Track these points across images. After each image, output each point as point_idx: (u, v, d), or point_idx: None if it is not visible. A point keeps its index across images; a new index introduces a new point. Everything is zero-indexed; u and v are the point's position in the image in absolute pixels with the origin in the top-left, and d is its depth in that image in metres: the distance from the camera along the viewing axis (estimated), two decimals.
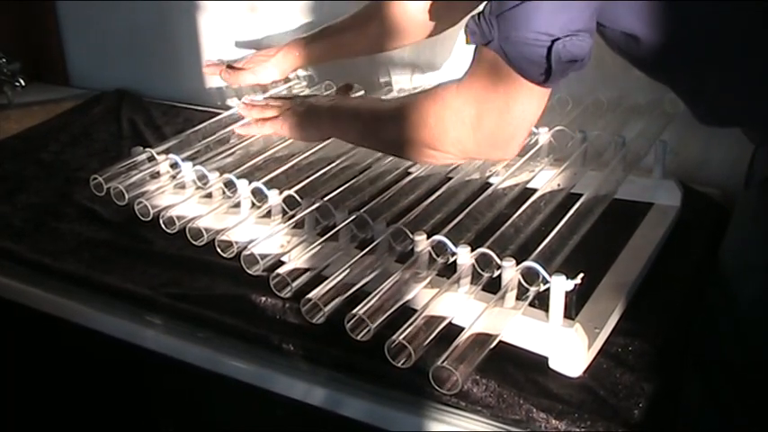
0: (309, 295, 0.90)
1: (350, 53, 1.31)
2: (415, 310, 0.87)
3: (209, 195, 1.17)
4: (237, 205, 1.12)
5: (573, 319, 0.88)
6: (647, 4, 0.78)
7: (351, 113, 1.05)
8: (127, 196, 1.17)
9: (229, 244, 1.04)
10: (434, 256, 0.95)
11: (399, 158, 1.10)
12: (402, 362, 0.83)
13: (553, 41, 0.76)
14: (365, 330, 0.86)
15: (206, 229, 1.07)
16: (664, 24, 0.79)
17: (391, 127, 0.95)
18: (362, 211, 1.03)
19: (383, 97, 1.42)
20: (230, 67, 1.35)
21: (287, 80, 1.61)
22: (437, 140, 0.90)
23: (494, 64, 0.81)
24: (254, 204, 1.12)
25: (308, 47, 1.30)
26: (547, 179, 1.08)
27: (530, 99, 0.83)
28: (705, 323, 0.89)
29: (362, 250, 0.97)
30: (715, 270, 0.89)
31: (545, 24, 0.76)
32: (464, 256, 0.92)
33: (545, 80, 0.80)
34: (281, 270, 0.96)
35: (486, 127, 0.84)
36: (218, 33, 1.71)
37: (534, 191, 1.06)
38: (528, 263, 0.88)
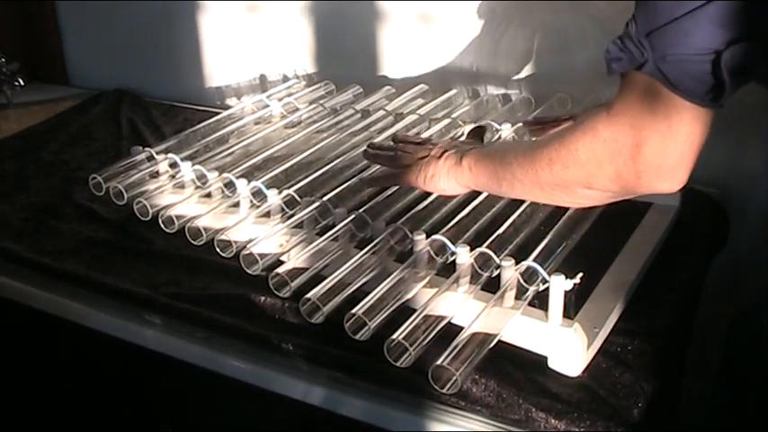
0: (308, 295, 0.90)
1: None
2: (415, 310, 0.87)
3: (209, 195, 1.17)
4: (237, 205, 1.13)
5: (572, 319, 0.88)
6: None
7: (494, 161, 0.90)
8: (126, 196, 1.17)
9: (228, 243, 1.04)
10: (434, 255, 0.95)
11: (561, 205, 0.92)
12: (401, 361, 0.83)
13: (719, 53, 0.69)
14: (364, 330, 0.86)
15: (205, 229, 1.07)
16: None
17: (539, 171, 0.83)
18: (362, 210, 1.03)
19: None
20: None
21: (285, 79, 1.61)
22: (592, 177, 0.78)
23: (649, 87, 0.72)
24: (253, 204, 1.12)
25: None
26: None
27: (694, 121, 0.73)
28: (735, 335, 0.88)
29: (362, 250, 0.97)
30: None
31: (707, 37, 0.69)
32: (463, 256, 0.92)
33: (713, 98, 0.71)
34: (280, 269, 0.96)
35: (648, 156, 0.74)
36: (218, 33, 1.71)
37: None
38: (527, 262, 0.88)
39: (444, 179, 0.96)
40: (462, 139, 1.11)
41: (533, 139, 1.14)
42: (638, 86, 0.73)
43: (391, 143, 1.08)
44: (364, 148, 1.05)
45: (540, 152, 0.83)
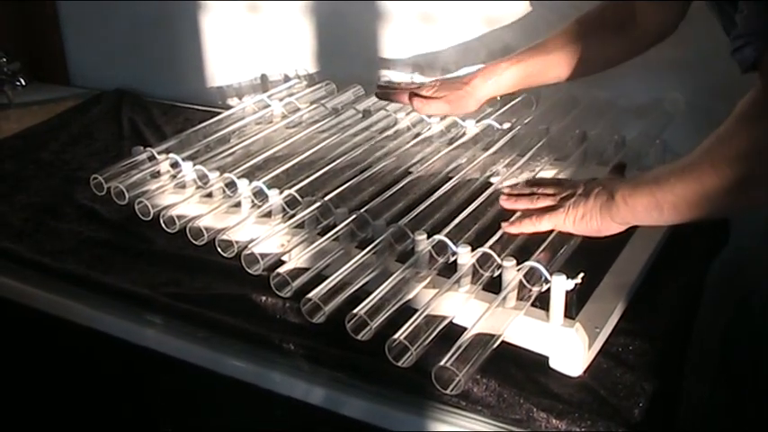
0: (310, 295, 0.90)
1: (552, 78, 1.16)
2: (416, 310, 0.87)
3: (210, 195, 1.17)
4: (238, 205, 1.13)
5: (573, 319, 0.88)
6: None
7: (650, 186, 0.84)
8: (127, 196, 1.17)
9: (230, 243, 1.04)
10: (435, 255, 0.95)
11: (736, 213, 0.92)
12: (402, 361, 0.83)
13: None
14: (366, 330, 0.86)
15: (206, 229, 1.07)
16: None
17: (704, 180, 0.78)
18: (363, 210, 1.03)
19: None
20: (417, 95, 1.19)
21: (286, 79, 1.61)
22: (760, 168, 0.74)
23: None
24: (254, 204, 1.12)
25: (505, 73, 1.14)
26: None
27: None
28: (735, 334, 0.88)
29: (363, 250, 0.97)
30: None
31: None
32: (465, 256, 0.92)
33: None
34: (281, 269, 0.96)
35: None
36: (219, 33, 1.71)
37: None
38: (530, 263, 0.88)
39: (597, 218, 0.90)
40: (602, 176, 1.03)
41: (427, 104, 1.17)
42: None
43: (525, 186, 1.02)
44: (499, 195, 1.00)
45: (698, 160, 0.79)
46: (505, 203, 0.99)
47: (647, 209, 0.85)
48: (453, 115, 1.27)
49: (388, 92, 1.17)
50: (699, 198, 0.79)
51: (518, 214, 0.97)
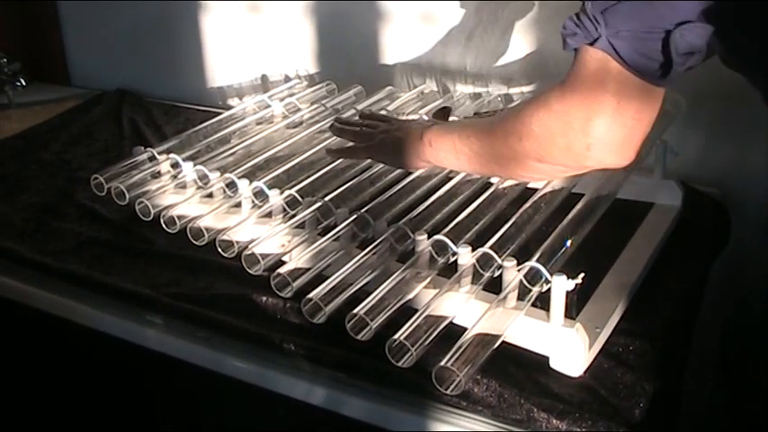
0: (310, 295, 0.90)
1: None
2: (416, 310, 0.87)
3: (210, 195, 1.17)
4: (238, 205, 1.13)
5: (574, 319, 0.88)
6: None
7: (453, 136, 0.94)
8: (128, 196, 1.17)
9: (230, 244, 1.04)
10: (435, 255, 0.95)
11: (514, 179, 0.98)
12: (403, 361, 0.83)
13: (668, 32, 0.72)
14: (366, 330, 0.86)
15: (207, 229, 1.07)
16: (744, 20, 0.73)
17: (495, 143, 0.87)
18: (363, 210, 1.03)
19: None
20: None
21: (287, 79, 1.61)
22: (545, 151, 0.82)
23: (601, 63, 0.75)
24: (254, 204, 1.12)
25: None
26: None
27: (644, 98, 0.76)
28: (733, 330, 0.88)
29: (363, 250, 0.97)
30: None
31: (658, 16, 0.71)
32: (465, 256, 0.92)
33: (661, 76, 0.74)
34: (281, 270, 0.96)
35: (598, 130, 0.77)
36: (218, 33, 1.71)
37: (535, 191, 1.06)
38: (530, 263, 0.88)
39: (404, 154, 1.00)
40: (426, 118, 1.18)
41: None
42: (591, 62, 0.76)
43: (357, 119, 1.13)
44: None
45: (497, 126, 0.87)
46: (333, 131, 1.12)
47: (446, 154, 0.94)
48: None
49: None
50: (488, 160, 0.89)
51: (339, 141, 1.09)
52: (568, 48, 0.78)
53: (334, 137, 1.19)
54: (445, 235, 0.94)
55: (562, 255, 0.92)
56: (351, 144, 1.11)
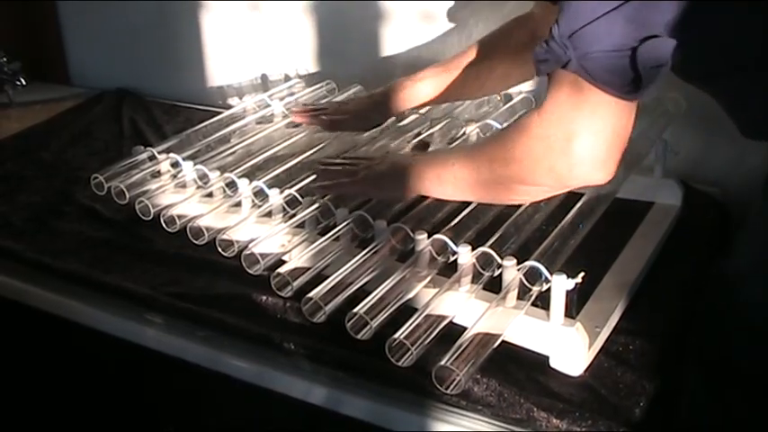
0: (310, 294, 0.90)
1: (460, 95, 1.25)
2: (416, 309, 0.87)
3: (210, 194, 1.17)
4: (238, 204, 1.13)
5: (574, 318, 0.88)
6: (687, 7, 0.74)
7: (437, 165, 0.96)
8: (128, 195, 1.17)
9: (230, 243, 1.04)
10: (435, 255, 0.95)
11: (500, 203, 1.00)
12: (403, 361, 0.83)
13: (634, 49, 0.74)
14: (366, 329, 0.86)
15: (207, 229, 1.07)
16: (705, 31, 0.76)
17: (480, 169, 0.89)
18: (363, 210, 1.03)
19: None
20: (319, 110, 1.29)
21: (287, 78, 1.61)
22: (529, 174, 0.84)
23: (574, 85, 0.77)
24: (254, 204, 1.12)
25: (413, 88, 1.21)
26: None
27: (619, 114, 0.78)
28: (708, 322, 0.89)
29: (363, 249, 0.97)
30: (721, 272, 0.88)
31: (623, 35, 0.73)
32: (465, 256, 0.92)
33: (632, 91, 0.77)
34: (281, 269, 0.96)
35: (578, 149, 0.79)
36: (219, 33, 1.71)
37: None
38: (530, 262, 0.88)
39: (389, 186, 1.02)
40: (406, 151, 1.22)
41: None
42: (565, 84, 0.78)
43: (339, 159, 1.14)
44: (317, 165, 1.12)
45: (479, 152, 0.90)
46: (316, 173, 1.12)
47: (431, 183, 0.97)
48: (357, 130, 1.28)
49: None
50: (474, 186, 0.91)
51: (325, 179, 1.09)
52: (541, 73, 0.80)
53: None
54: (445, 234, 0.94)
55: (562, 254, 0.91)
56: (336, 181, 1.09)
